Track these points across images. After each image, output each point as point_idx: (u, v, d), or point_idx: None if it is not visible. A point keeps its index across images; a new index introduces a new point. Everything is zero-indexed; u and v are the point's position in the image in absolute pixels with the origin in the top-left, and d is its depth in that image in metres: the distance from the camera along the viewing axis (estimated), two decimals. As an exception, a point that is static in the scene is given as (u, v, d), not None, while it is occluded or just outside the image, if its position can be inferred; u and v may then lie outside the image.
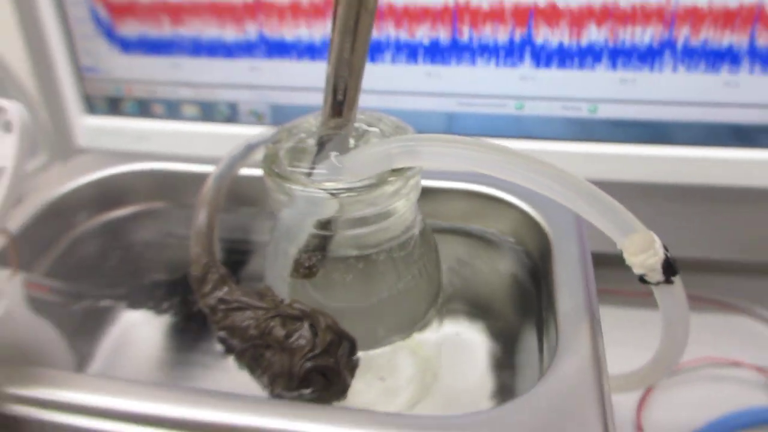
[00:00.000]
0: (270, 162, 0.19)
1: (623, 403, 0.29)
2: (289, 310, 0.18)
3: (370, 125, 0.21)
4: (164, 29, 0.35)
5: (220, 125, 0.36)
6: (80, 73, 0.37)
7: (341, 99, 0.18)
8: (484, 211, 0.25)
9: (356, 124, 0.20)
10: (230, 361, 0.19)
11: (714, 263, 0.36)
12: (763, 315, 0.34)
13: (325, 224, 0.20)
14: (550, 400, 0.17)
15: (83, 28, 0.36)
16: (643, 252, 0.18)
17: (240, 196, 0.28)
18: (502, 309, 0.26)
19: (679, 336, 0.20)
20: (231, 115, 0.36)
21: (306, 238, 0.20)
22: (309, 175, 0.19)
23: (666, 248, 0.18)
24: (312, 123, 0.21)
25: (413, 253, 0.21)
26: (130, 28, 0.35)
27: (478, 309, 0.28)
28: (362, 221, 0.19)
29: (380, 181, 0.19)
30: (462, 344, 0.27)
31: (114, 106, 0.38)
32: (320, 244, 0.20)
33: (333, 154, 0.19)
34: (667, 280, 0.18)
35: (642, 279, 0.18)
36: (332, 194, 0.18)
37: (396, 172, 0.19)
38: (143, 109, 0.37)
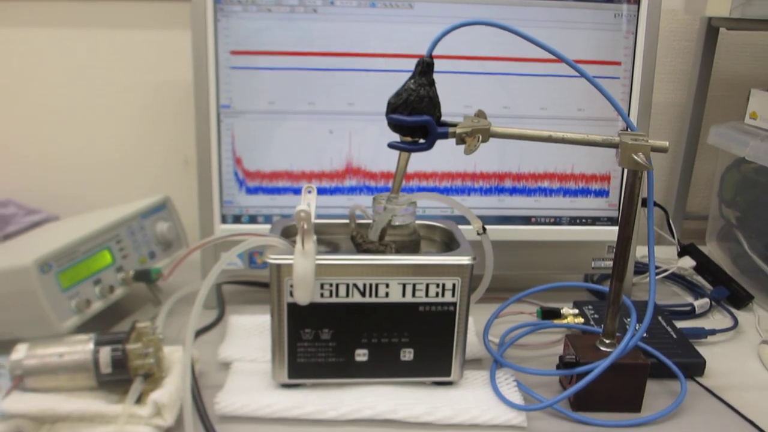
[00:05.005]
0: (375, 200, 0.63)
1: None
2: (382, 243, 0.61)
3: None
4: (268, 184, 0.78)
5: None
6: (223, 204, 0.78)
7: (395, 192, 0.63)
8: (431, 227, 0.68)
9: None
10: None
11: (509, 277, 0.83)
12: (529, 301, 0.81)
13: (390, 221, 0.63)
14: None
15: (228, 184, 0.78)
16: (477, 223, 0.63)
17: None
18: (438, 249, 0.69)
19: (489, 262, 0.65)
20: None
21: (382, 225, 0.63)
22: (385, 202, 0.62)
23: (484, 226, 0.64)
24: (386, 195, 0.64)
25: (414, 232, 0.64)
26: (252, 183, 0.78)
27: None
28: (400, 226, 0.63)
29: (405, 203, 0.63)
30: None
31: (237, 219, 0.78)
32: (386, 227, 0.63)
33: (391, 197, 0.63)
34: (484, 232, 0.64)
35: (478, 233, 0.64)
36: (388, 207, 0.62)
37: (411, 204, 0.63)
38: (252, 220, 0.79)
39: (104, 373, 0.56)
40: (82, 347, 0.57)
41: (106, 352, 0.57)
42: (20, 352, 0.57)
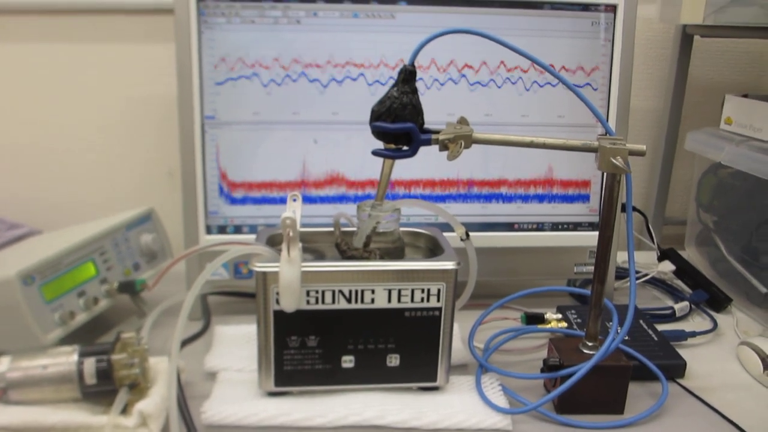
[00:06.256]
0: (360, 207, 0.63)
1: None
2: (367, 250, 0.61)
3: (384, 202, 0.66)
4: (252, 194, 0.78)
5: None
6: (208, 214, 0.78)
7: (379, 199, 0.64)
8: (415, 234, 0.69)
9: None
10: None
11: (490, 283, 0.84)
12: (513, 307, 0.82)
13: (374, 228, 0.63)
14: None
15: (213, 194, 0.78)
16: (460, 229, 0.64)
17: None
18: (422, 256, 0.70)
19: (473, 267, 0.66)
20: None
21: (367, 232, 0.63)
22: (369, 209, 0.63)
23: (468, 232, 0.65)
24: (370, 202, 0.65)
25: (398, 239, 0.65)
26: (237, 193, 0.78)
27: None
28: (384, 233, 0.64)
29: (389, 210, 0.63)
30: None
31: (222, 230, 0.79)
32: (371, 234, 0.63)
33: (375, 204, 0.63)
34: (467, 238, 0.64)
35: (461, 239, 0.64)
36: (373, 214, 0.63)
37: (395, 211, 0.64)
38: (237, 230, 0.79)
39: (89, 384, 0.56)
40: (66, 359, 0.57)
41: (90, 363, 0.56)
42: (3, 364, 0.56)
